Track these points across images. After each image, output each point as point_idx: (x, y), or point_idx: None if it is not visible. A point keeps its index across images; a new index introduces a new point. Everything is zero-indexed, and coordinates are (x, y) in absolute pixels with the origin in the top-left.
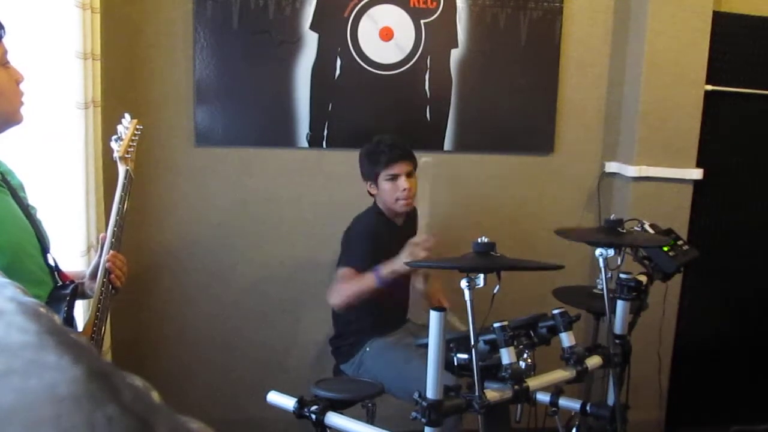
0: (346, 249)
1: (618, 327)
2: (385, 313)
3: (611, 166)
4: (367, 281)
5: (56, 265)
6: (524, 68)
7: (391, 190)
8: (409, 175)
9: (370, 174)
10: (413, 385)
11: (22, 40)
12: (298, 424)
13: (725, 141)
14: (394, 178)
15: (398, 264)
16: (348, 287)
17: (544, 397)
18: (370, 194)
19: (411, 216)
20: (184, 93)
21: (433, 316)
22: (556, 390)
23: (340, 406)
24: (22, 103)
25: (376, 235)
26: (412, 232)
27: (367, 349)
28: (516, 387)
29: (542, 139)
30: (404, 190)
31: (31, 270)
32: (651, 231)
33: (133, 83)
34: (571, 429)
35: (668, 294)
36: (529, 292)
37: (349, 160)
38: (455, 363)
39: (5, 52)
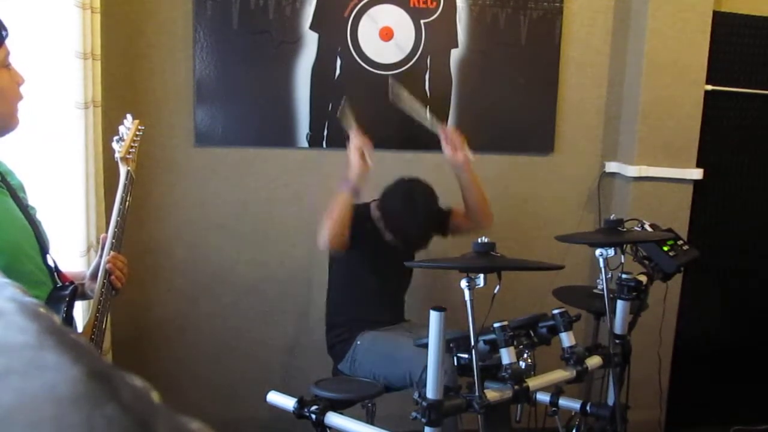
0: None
1: (618, 327)
2: (377, 305)
3: (611, 166)
4: (339, 195)
5: (56, 266)
6: (524, 68)
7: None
8: None
9: (381, 210)
10: (406, 366)
11: (22, 39)
12: (298, 424)
13: (725, 141)
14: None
15: (351, 171)
16: (327, 215)
17: (544, 397)
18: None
19: None
20: (184, 93)
21: (433, 316)
22: (556, 390)
23: (340, 406)
24: (18, 108)
25: (360, 214)
26: None
27: (358, 342)
28: (516, 387)
29: (542, 139)
30: None
31: (30, 271)
32: (651, 231)
33: (133, 83)
34: (571, 429)
35: (668, 294)
36: (529, 292)
37: (349, 160)
38: (455, 363)
39: (8, 53)
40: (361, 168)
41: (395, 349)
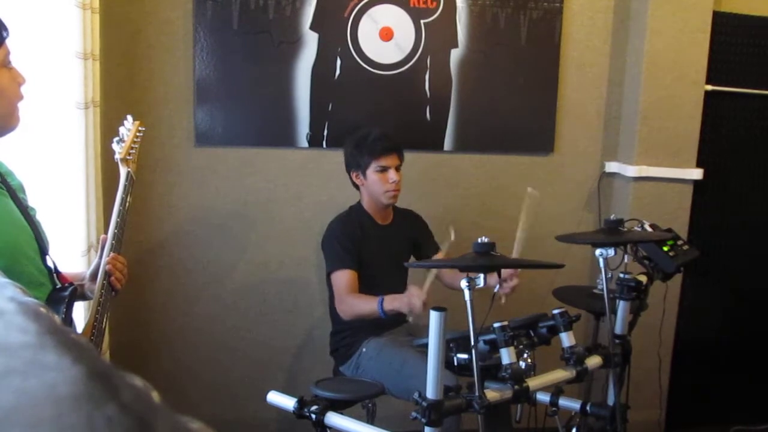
0: (325, 256)
1: (618, 327)
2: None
3: (611, 166)
4: (372, 310)
5: (55, 267)
6: (524, 68)
7: (380, 182)
8: (398, 168)
9: (358, 164)
10: (412, 383)
11: (21, 40)
12: (298, 424)
13: (725, 141)
14: (384, 170)
15: (399, 306)
16: (357, 306)
17: (544, 397)
18: (355, 186)
19: (400, 217)
20: (184, 93)
21: (433, 316)
22: (556, 390)
23: (340, 406)
24: (18, 108)
25: (347, 234)
26: (402, 234)
27: (364, 350)
28: (516, 387)
29: (542, 139)
30: (393, 182)
31: (30, 272)
32: (651, 231)
33: (133, 83)
34: (571, 429)
35: (668, 294)
36: (529, 292)
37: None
38: (455, 363)
39: (8, 53)
40: (416, 312)
41: (403, 363)
